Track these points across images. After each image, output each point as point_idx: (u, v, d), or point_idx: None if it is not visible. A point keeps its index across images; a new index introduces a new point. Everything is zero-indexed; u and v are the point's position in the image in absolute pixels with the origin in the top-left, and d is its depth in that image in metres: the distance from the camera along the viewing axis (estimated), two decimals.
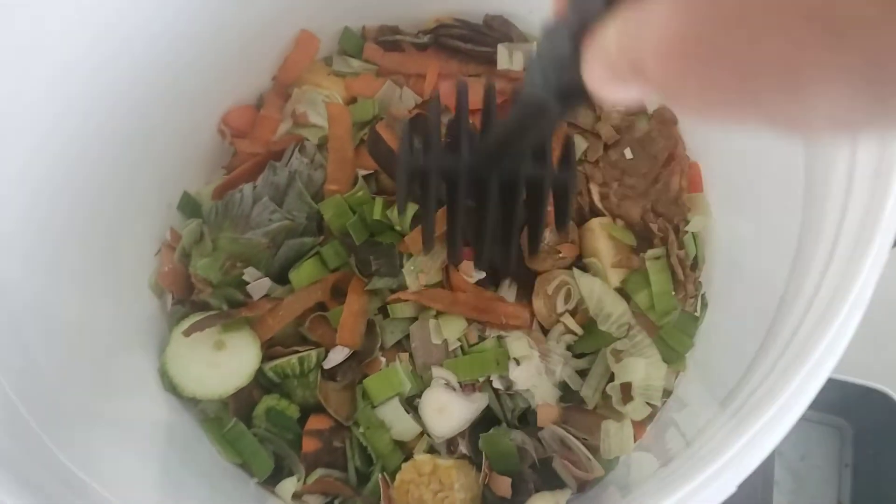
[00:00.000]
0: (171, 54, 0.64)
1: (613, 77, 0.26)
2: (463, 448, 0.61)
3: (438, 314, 0.63)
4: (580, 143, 0.69)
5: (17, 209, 0.53)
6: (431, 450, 0.62)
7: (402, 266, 0.63)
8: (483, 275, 0.64)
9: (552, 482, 0.59)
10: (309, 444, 0.61)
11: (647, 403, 0.62)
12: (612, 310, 0.63)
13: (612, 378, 0.62)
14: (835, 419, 0.76)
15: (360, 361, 0.63)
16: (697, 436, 0.51)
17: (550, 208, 0.55)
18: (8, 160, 0.52)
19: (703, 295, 0.65)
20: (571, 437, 0.60)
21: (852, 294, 0.40)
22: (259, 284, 0.63)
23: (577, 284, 0.64)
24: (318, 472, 0.60)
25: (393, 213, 0.64)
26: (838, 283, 0.41)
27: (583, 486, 0.60)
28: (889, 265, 0.40)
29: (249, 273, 0.63)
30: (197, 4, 0.63)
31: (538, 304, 0.64)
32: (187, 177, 0.72)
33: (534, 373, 0.62)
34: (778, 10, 0.19)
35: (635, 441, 0.62)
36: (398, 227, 0.64)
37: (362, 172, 0.68)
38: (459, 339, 0.63)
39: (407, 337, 0.64)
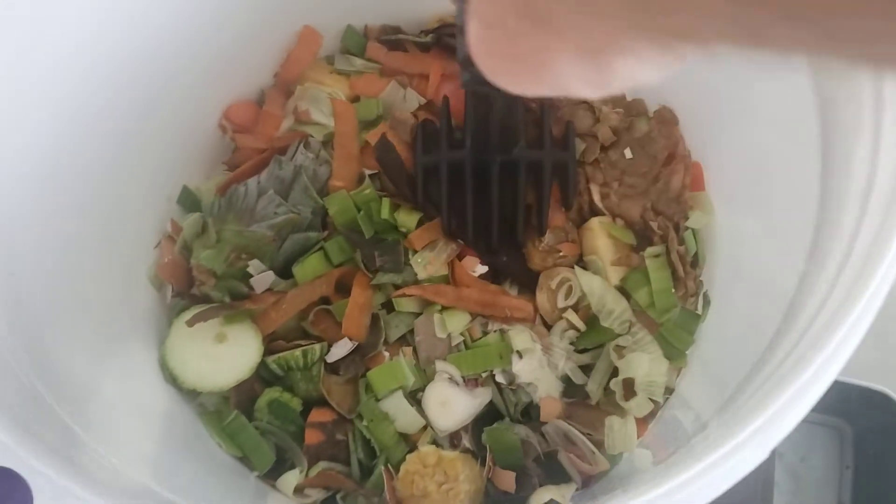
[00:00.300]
0: (172, 48, 0.64)
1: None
2: (466, 442, 0.61)
3: (443, 309, 0.63)
4: (578, 145, 0.70)
5: (17, 199, 0.52)
6: (435, 444, 0.61)
7: (406, 262, 0.64)
8: (486, 269, 0.64)
9: (557, 476, 0.59)
10: (312, 437, 0.60)
11: (650, 399, 0.62)
12: (613, 307, 0.63)
13: (614, 373, 0.63)
14: (835, 420, 0.77)
15: (363, 356, 0.63)
16: (697, 433, 0.52)
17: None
18: (6, 151, 0.51)
19: (705, 293, 0.66)
20: (576, 432, 0.60)
21: (866, 295, 0.40)
22: (263, 278, 0.63)
23: (578, 282, 0.64)
24: (321, 465, 0.60)
25: (398, 215, 0.65)
26: (852, 284, 0.41)
27: (587, 481, 0.60)
28: None
29: (254, 266, 0.62)
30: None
31: (541, 298, 0.64)
32: (187, 171, 0.72)
33: (536, 366, 0.62)
34: (516, 18, 0.30)
35: (638, 438, 0.62)
36: (403, 228, 0.64)
37: (367, 172, 0.68)
38: (462, 334, 0.63)
39: (411, 331, 0.64)
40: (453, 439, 0.61)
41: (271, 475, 0.62)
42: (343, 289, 0.64)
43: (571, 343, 0.64)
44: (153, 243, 0.68)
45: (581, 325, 0.64)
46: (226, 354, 0.61)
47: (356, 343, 0.63)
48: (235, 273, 0.63)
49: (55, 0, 0.52)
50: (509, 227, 0.66)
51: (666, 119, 0.70)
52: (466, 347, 0.63)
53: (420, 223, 0.65)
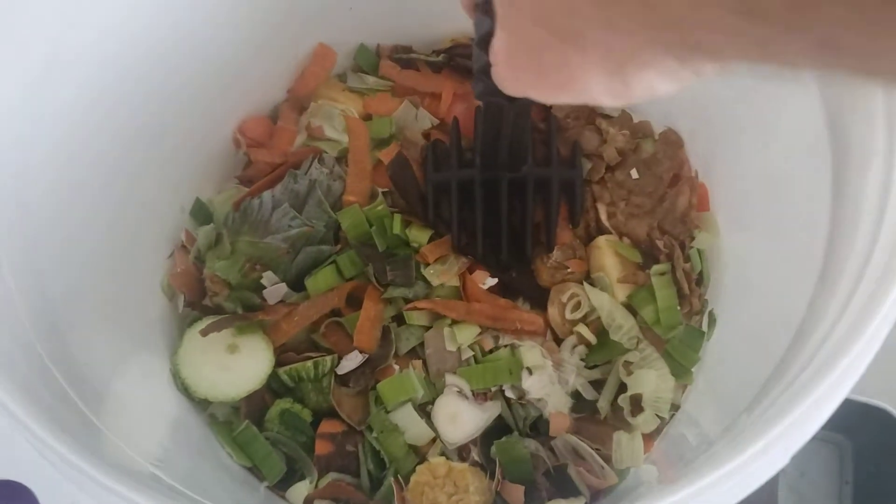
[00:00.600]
0: (189, 64, 0.65)
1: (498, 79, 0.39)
2: (475, 455, 0.61)
3: (453, 322, 0.64)
4: (585, 164, 0.71)
5: (34, 208, 0.53)
6: (444, 456, 0.62)
7: (417, 276, 0.65)
8: (495, 281, 0.65)
9: (566, 490, 0.59)
10: (322, 447, 0.61)
11: (656, 416, 0.63)
12: (622, 322, 0.64)
13: (622, 389, 0.63)
14: (835, 436, 0.77)
15: (373, 368, 0.63)
16: (704, 451, 0.52)
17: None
18: (26, 162, 0.52)
19: (711, 312, 0.67)
20: (585, 446, 0.60)
21: (877, 318, 0.40)
22: (275, 289, 0.64)
23: (587, 298, 0.65)
24: (331, 476, 0.60)
25: (410, 231, 0.66)
26: (864, 307, 0.42)
27: (596, 495, 0.60)
28: None
29: (268, 277, 0.63)
30: (215, 15, 0.65)
31: (553, 311, 0.65)
32: (200, 183, 0.73)
33: (546, 382, 0.62)
34: (543, 32, 0.32)
35: (644, 454, 0.63)
36: (415, 244, 0.66)
37: (380, 190, 0.69)
38: (473, 347, 0.64)
39: (421, 344, 0.64)
40: (462, 452, 0.62)
41: (281, 486, 0.62)
42: (354, 302, 0.65)
43: (582, 359, 0.65)
44: (167, 253, 0.69)
45: (592, 337, 0.65)
46: (237, 365, 0.62)
47: (367, 355, 0.63)
48: (249, 284, 0.63)
49: (76, 20, 0.53)
50: (518, 244, 0.67)
51: (671, 141, 0.71)
52: (476, 361, 0.64)
53: (431, 240, 0.66)
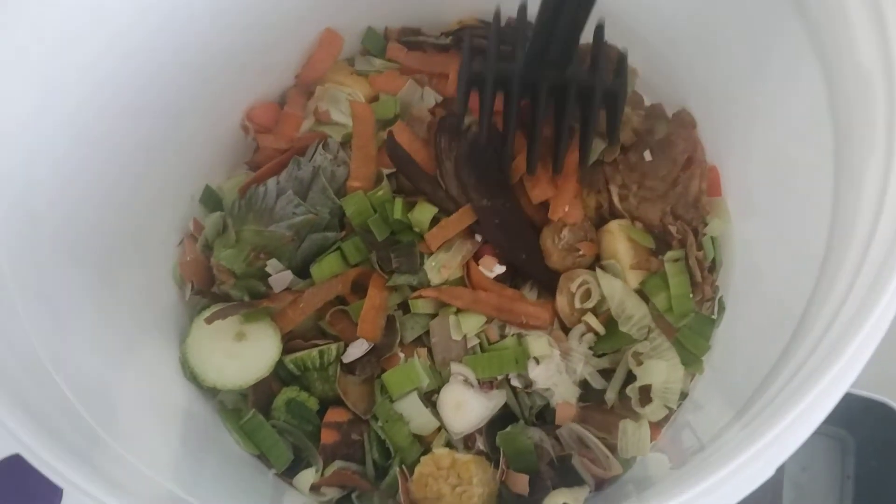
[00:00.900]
0: (196, 50, 0.65)
1: None
2: (480, 444, 0.61)
3: (458, 311, 0.64)
4: (598, 144, 0.69)
5: (48, 196, 0.54)
6: (449, 445, 0.62)
7: (422, 264, 0.64)
8: (503, 269, 0.64)
9: (570, 480, 0.59)
10: (328, 436, 0.61)
11: (665, 405, 0.62)
12: (633, 312, 0.63)
13: (630, 379, 0.63)
14: (837, 430, 0.76)
15: (378, 356, 0.64)
16: (712, 440, 0.51)
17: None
18: (41, 148, 0.53)
19: (720, 298, 0.66)
20: (590, 436, 0.60)
21: (879, 308, 0.39)
22: (281, 277, 0.64)
23: (598, 285, 0.64)
24: (336, 465, 0.61)
25: (412, 215, 0.65)
26: (865, 297, 0.41)
27: (601, 484, 0.60)
28: None
29: (272, 265, 0.63)
30: (224, 2, 0.64)
31: (562, 301, 0.64)
32: (209, 170, 0.73)
33: (553, 371, 0.62)
34: None
35: (651, 442, 0.62)
36: (417, 228, 0.65)
37: (385, 171, 0.69)
38: (478, 336, 0.64)
39: (426, 333, 0.64)
40: (467, 441, 0.62)
41: (288, 473, 0.62)
42: (360, 289, 0.65)
43: (590, 347, 0.64)
44: (177, 241, 0.69)
45: (601, 328, 0.64)
46: (245, 352, 0.62)
47: (372, 344, 0.63)
48: (254, 272, 0.64)
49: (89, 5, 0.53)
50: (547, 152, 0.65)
51: (685, 121, 0.69)
52: (482, 350, 0.63)
53: (435, 222, 0.65)
